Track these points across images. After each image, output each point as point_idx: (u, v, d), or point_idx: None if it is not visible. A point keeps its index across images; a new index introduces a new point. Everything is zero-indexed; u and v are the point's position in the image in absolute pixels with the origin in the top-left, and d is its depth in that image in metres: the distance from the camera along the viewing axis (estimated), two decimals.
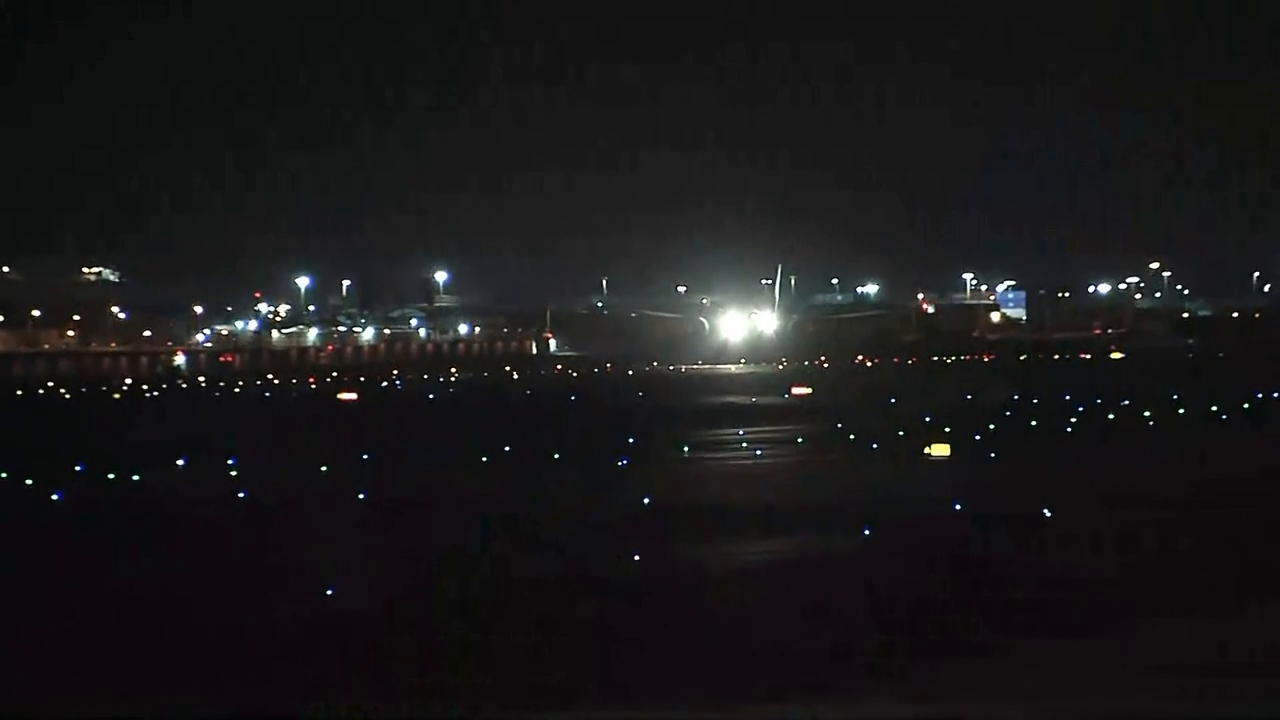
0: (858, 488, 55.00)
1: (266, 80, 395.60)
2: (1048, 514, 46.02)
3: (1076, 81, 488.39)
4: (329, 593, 35.25)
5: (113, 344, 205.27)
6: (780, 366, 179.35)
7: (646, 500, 50.95)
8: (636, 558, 39.54)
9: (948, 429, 74.91)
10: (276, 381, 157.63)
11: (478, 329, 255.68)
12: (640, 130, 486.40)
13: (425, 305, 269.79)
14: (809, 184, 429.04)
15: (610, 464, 63.50)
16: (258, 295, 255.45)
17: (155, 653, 30.15)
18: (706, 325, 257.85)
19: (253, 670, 28.79)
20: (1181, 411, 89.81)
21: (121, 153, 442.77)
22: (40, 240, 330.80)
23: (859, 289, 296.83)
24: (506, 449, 69.41)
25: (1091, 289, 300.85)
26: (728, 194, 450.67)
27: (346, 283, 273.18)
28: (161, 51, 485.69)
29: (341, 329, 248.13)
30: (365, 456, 67.01)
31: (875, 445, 70.40)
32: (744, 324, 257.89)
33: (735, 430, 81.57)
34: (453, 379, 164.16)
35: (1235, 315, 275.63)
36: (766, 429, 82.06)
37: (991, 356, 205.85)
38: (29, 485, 57.33)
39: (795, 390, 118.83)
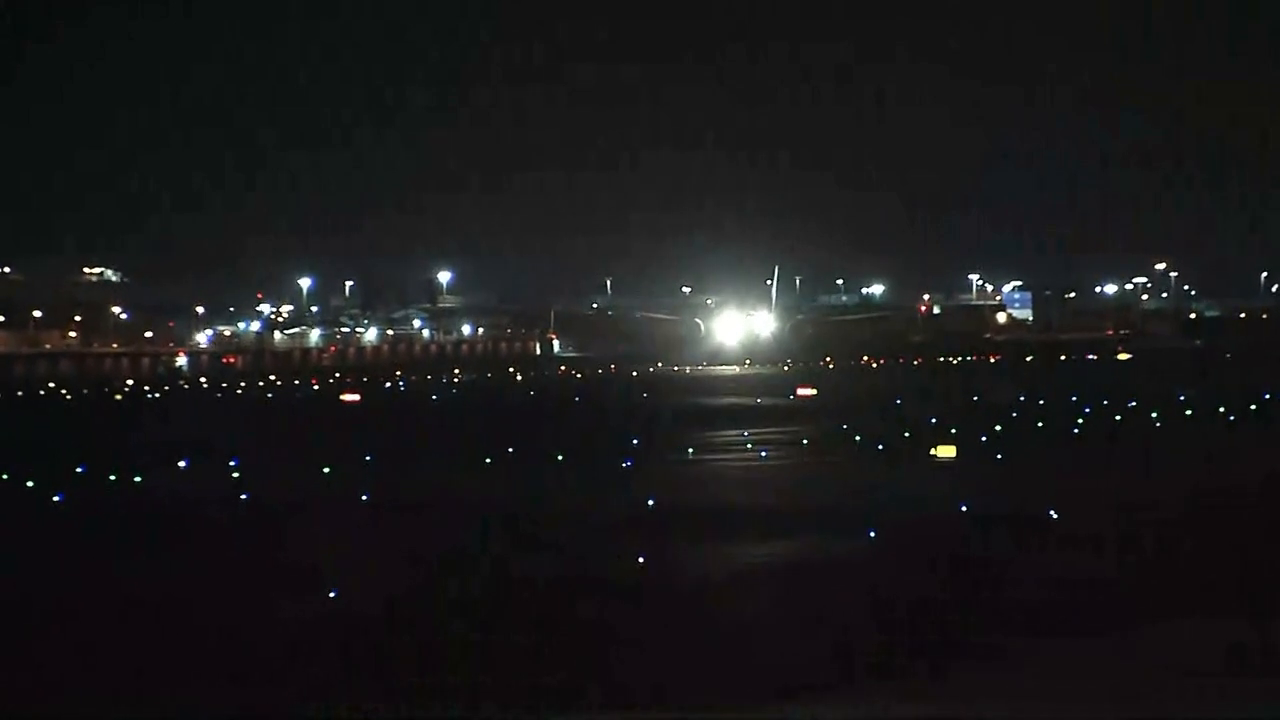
0: (863, 489, 54.75)
1: (266, 80, 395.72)
2: (1054, 516, 45.76)
3: (1076, 81, 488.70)
4: (332, 594, 35.06)
5: (114, 345, 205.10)
6: (785, 368, 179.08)
7: (650, 502, 50.67)
8: (640, 559, 39.29)
9: (954, 430, 74.67)
10: (279, 383, 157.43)
11: (481, 330, 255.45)
12: (643, 130, 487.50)
13: (428, 306, 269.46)
14: (810, 184, 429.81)
15: (614, 465, 63.23)
16: (260, 296, 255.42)
17: (157, 654, 30.01)
18: (702, 326, 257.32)
19: (255, 671, 28.65)
20: (1189, 413, 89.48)
21: (122, 153, 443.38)
22: (41, 240, 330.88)
23: (864, 290, 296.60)
24: (510, 450, 69.15)
25: (1098, 290, 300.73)
26: (729, 194, 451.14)
27: (349, 283, 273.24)
28: (161, 51, 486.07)
29: (344, 330, 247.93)
30: (368, 458, 66.75)
31: (881, 447, 70.11)
32: (742, 325, 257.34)
33: (740, 431, 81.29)
34: (456, 380, 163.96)
35: (1242, 316, 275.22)
36: (771, 430, 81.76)
37: (998, 357, 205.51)
38: (30, 486, 57.09)
39: (800, 391, 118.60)
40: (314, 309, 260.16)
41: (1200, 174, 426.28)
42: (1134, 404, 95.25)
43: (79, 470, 61.70)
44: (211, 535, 46.10)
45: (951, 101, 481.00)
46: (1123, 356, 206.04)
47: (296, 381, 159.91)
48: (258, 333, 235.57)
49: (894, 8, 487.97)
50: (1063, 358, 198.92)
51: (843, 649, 29.25)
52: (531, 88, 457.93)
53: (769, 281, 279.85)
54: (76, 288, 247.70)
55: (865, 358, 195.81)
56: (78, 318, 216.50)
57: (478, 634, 30.92)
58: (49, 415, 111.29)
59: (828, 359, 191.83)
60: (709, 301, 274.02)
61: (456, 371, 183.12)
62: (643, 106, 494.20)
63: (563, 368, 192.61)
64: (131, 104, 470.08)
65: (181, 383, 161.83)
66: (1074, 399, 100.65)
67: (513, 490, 55.66)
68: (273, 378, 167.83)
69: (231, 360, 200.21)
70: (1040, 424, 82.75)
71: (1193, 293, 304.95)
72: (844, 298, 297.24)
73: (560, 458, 65.93)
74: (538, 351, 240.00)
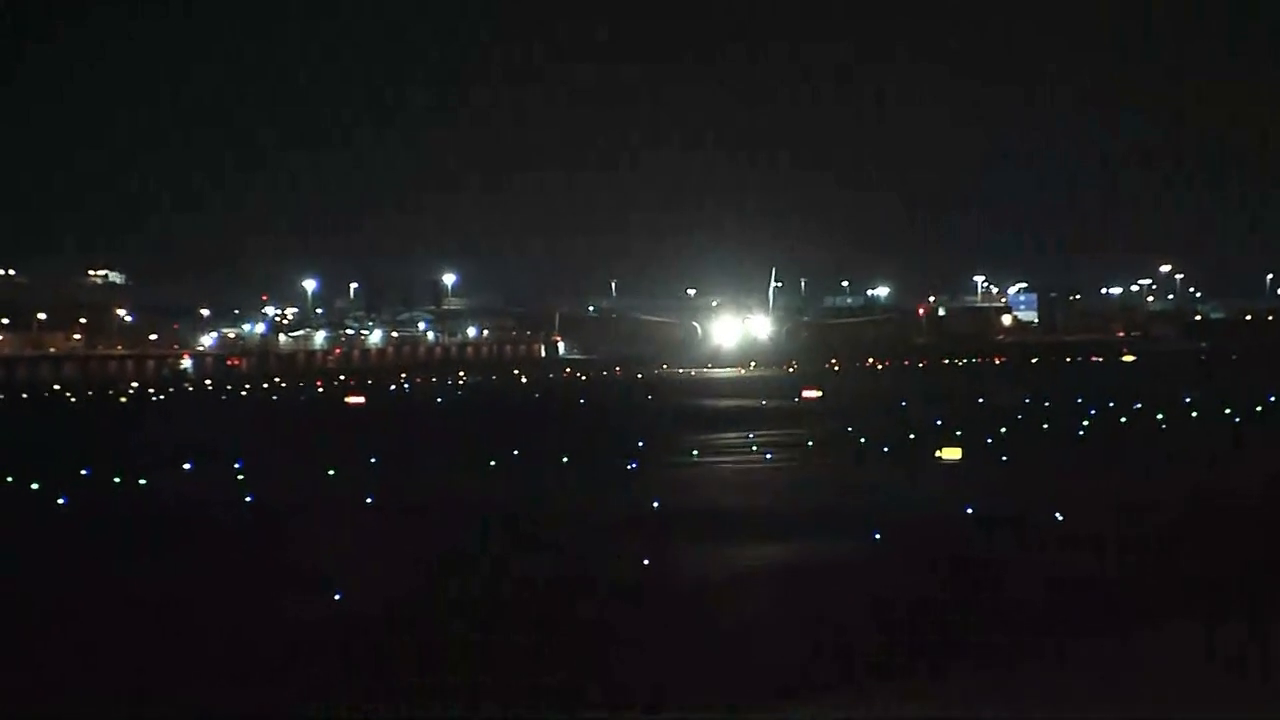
0: (868, 491, 54.70)
1: (266, 80, 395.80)
2: (1059, 518, 45.67)
3: (1076, 81, 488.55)
4: (337, 596, 34.99)
5: (119, 347, 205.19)
6: (789, 370, 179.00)
7: (655, 504, 50.58)
8: (645, 561, 39.23)
9: (959, 432, 74.56)
10: (284, 385, 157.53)
11: (486, 332, 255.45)
12: (644, 130, 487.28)
13: (433, 308, 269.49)
14: (810, 184, 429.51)
15: (619, 467, 63.16)
16: (264, 298, 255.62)
17: (159, 655, 30.03)
18: (699, 329, 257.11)
19: (257, 672, 28.67)
20: (1195, 415, 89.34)
21: (122, 153, 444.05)
22: (44, 242, 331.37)
23: (869, 291, 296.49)
24: (515, 452, 69.07)
25: (1103, 291, 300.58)
26: (732, 194, 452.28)
27: (354, 285, 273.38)
28: (161, 51, 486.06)
29: (349, 332, 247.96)
30: (373, 460, 66.67)
31: (886, 449, 69.99)
32: (742, 327, 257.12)
33: (745, 433, 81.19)
34: (461, 382, 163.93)
35: (1248, 317, 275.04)
36: (777, 432, 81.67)
37: (1003, 359, 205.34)
38: (34, 489, 57.03)
39: (805, 393, 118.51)
40: (319, 311, 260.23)
41: (1204, 175, 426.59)
42: (1139, 406, 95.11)
43: (83, 473, 61.66)
44: (216, 538, 46.05)
45: (951, 101, 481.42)
46: (1128, 358, 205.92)
47: (301, 384, 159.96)
48: (262, 335, 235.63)
49: (894, 8, 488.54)
50: (1068, 360, 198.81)
51: (846, 650, 29.25)
52: (531, 88, 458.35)
53: (777, 285, 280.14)
54: (80, 289, 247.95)
55: (870, 360, 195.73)
56: (82, 320, 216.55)
57: (482, 635, 30.92)
58: (53, 418, 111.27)
59: (833, 361, 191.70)
60: (714, 304, 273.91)
61: (461, 374, 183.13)
62: (643, 106, 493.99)
63: (568, 370, 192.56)
64: (131, 104, 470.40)
65: (186, 385, 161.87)
66: (1079, 401, 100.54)
67: (517, 492, 55.59)
68: (277, 380, 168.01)
69: (236, 362, 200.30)
70: (1045, 426, 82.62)
71: (1198, 294, 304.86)
72: (849, 299, 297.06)
73: (565, 459, 65.84)
74: (543, 354, 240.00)
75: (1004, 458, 65.95)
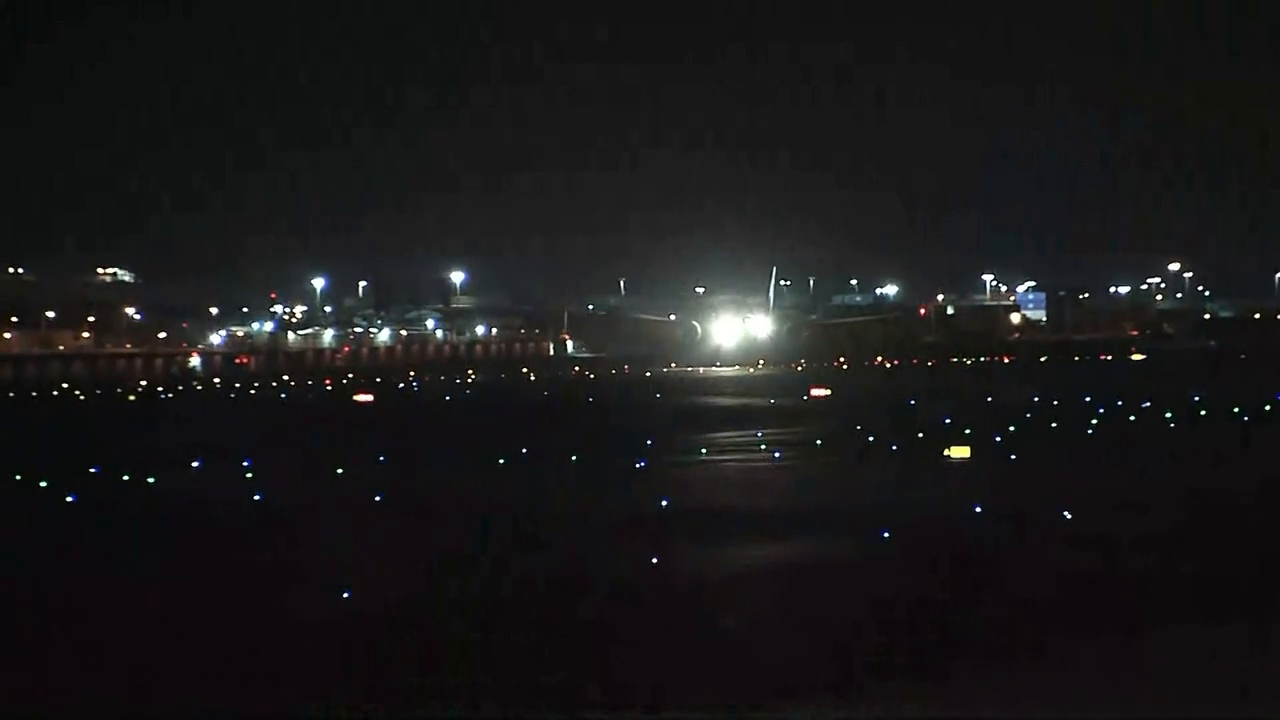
0: (876, 490, 54.64)
1: (266, 80, 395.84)
2: (1067, 516, 45.64)
3: (1076, 81, 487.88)
4: (345, 595, 34.99)
5: (127, 345, 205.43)
6: (798, 368, 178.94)
7: (664, 503, 50.56)
8: (654, 560, 39.22)
9: (967, 431, 74.51)
10: (292, 383, 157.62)
11: (494, 330, 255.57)
12: (645, 130, 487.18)
13: (442, 306, 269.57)
14: (829, 185, 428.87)
15: (628, 465, 63.14)
16: (273, 296, 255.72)
17: (164, 654, 30.08)
18: (699, 328, 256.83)
19: (260, 671, 28.72)
20: (1204, 413, 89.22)
21: (126, 154, 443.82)
22: (46, 242, 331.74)
23: (878, 290, 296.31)
24: (523, 451, 69.08)
25: (1111, 290, 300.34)
26: (734, 194, 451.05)
27: (363, 284, 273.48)
28: (161, 51, 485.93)
29: (358, 330, 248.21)
30: (381, 459, 66.69)
31: (895, 447, 69.94)
32: (744, 326, 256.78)
33: (754, 431, 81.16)
34: (470, 381, 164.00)
35: (1256, 316, 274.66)
36: (785, 431, 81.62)
37: (1011, 358, 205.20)
38: (44, 487, 57.10)
39: (814, 391, 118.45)
40: (327, 309, 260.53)
41: (1205, 175, 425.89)
42: (1148, 404, 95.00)
43: (92, 471, 61.72)
44: (224, 536, 46.07)
45: (951, 101, 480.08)
46: (1136, 357, 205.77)
47: (310, 382, 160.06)
48: (271, 333, 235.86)
49: (894, 8, 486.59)
50: (1076, 358, 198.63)
51: (853, 650, 29.25)
52: (531, 88, 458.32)
53: (785, 282, 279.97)
54: (89, 288, 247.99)
55: (878, 358, 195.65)
56: (90, 318, 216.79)
57: (492, 635, 30.95)
58: (62, 416, 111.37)
59: (841, 360, 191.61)
60: (722, 302, 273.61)
61: (470, 372, 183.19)
62: (643, 106, 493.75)
63: (576, 368, 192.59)
64: (131, 104, 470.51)
65: (194, 383, 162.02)
66: (1088, 399, 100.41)
67: (525, 491, 55.56)
68: (286, 378, 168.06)
69: (244, 361, 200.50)
70: (1054, 424, 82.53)
71: (1206, 293, 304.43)
72: (858, 298, 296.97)
73: (574, 458, 65.84)
74: (551, 352, 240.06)
75: (1012, 456, 65.89)
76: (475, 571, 38.42)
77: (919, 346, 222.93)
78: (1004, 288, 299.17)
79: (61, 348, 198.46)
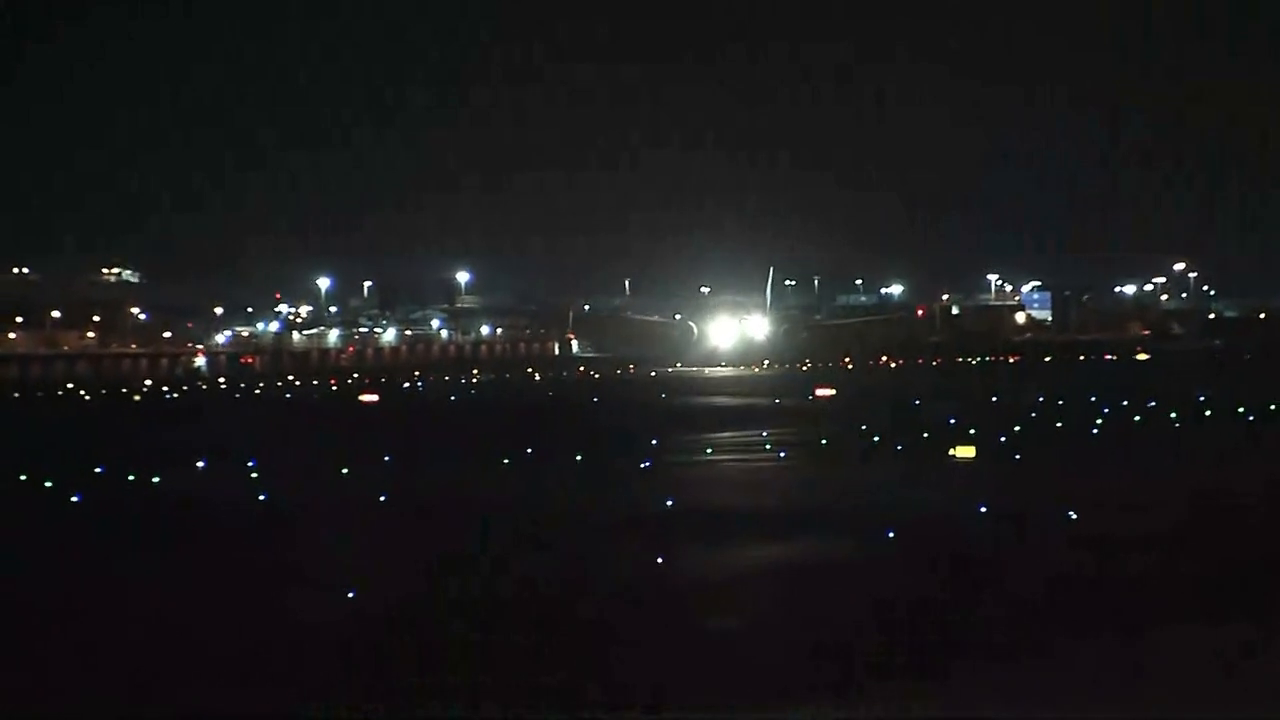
0: (881, 490, 54.61)
1: (266, 80, 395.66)
2: (1072, 516, 45.63)
3: (1076, 81, 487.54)
4: (349, 595, 34.99)
5: (132, 345, 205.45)
6: (803, 368, 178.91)
7: (669, 503, 50.55)
8: (658, 559, 39.21)
9: (972, 431, 74.47)
10: (297, 383, 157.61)
11: (499, 330, 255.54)
12: (649, 130, 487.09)
13: (447, 306, 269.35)
14: (829, 185, 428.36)
15: (632, 465, 63.13)
16: (278, 296, 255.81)
17: (166, 653, 30.10)
18: (695, 329, 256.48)
19: (261, 671, 28.72)
20: (1209, 413, 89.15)
21: (126, 154, 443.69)
22: (55, 241, 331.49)
23: (883, 290, 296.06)
24: (528, 451, 69.08)
25: (1116, 290, 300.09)
26: (734, 194, 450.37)
27: (368, 284, 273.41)
28: (161, 51, 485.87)
29: (363, 330, 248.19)
30: (386, 458, 66.70)
31: (899, 447, 69.92)
32: (751, 326, 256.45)
33: (759, 431, 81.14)
34: (475, 380, 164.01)
35: (1262, 316, 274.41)
36: (790, 431, 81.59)
37: (1017, 358, 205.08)
38: (49, 487, 57.13)
39: (819, 392, 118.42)
40: (332, 309, 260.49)
41: (1210, 174, 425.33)
42: (1153, 404, 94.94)
43: (97, 471, 61.76)
44: (228, 536, 46.06)
45: (951, 101, 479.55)
46: (1142, 356, 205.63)
47: (315, 382, 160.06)
48: (276, 333, 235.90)
49: (894, 8, 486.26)
50: (1082, 358, 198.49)
51: (854, 650, 29.24)
52: (531, 88, 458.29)
53: (790, 282, 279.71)
54: (94, 288, 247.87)
55: (883, 358, 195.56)
56: (95, 318, 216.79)
57: (493, 635, 30.91)
58: (67, 416, 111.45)
59: (846, 359, 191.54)
60: (727, 302, 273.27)
61: (475, 372, 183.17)
62: (644, 106, 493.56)
63: (581, 368, 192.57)
64: (131, 104, 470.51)
65: (200, 383, 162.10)
66: (1093, 399, 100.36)
67: (530, 491, 55.56)
68: (291, 378, 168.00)
69: (250, 361, 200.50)
70: (1059, 424, 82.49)
71: (1211, 293, 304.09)
72: (863, 298, 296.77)
73: (578, 458, 65.84)
74: (557, 352, 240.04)
75: (1017, 456, 65.87)
76: (478, 571, 38.42)
77: (924, 346, 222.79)
78: (1009, 287, 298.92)
79: (66, 348, 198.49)
